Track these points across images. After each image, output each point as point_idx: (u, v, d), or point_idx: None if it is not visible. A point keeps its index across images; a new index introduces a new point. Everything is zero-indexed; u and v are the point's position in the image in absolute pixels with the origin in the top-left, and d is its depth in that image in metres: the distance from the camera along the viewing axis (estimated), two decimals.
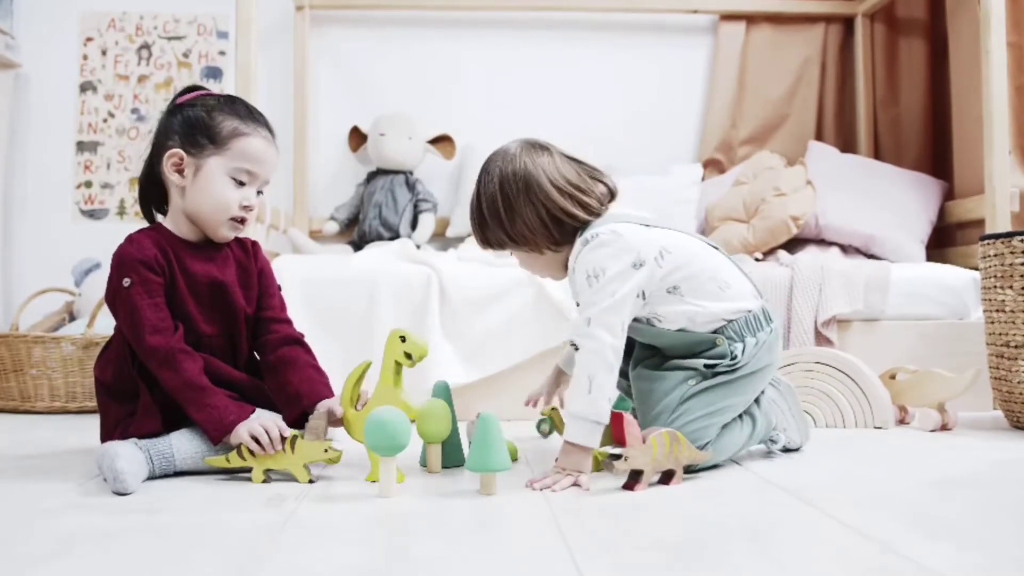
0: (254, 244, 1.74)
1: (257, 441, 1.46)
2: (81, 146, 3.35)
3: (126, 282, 1.52)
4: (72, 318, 2.91)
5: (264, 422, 1.48)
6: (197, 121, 1.57)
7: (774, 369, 1.65)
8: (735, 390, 1.57)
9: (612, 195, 1.64)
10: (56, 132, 3.35)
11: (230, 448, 1.49)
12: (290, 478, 1.50)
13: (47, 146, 3.35)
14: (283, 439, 1.47)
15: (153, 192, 1.65)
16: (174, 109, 1.61)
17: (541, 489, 1.39)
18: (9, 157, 3.24)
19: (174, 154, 1.56)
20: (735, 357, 1.56)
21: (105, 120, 3.36)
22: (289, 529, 1.14)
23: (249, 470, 1.49)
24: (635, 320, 1.59)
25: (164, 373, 1.49)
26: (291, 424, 1.58)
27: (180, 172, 1.57)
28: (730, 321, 1.58)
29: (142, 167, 1.66)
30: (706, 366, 1.56)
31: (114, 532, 1.13)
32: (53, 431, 2.10)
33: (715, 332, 1.58)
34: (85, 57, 3.38)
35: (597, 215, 1.60)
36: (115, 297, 1.54)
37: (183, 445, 1.50)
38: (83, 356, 2.44)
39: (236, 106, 1.61)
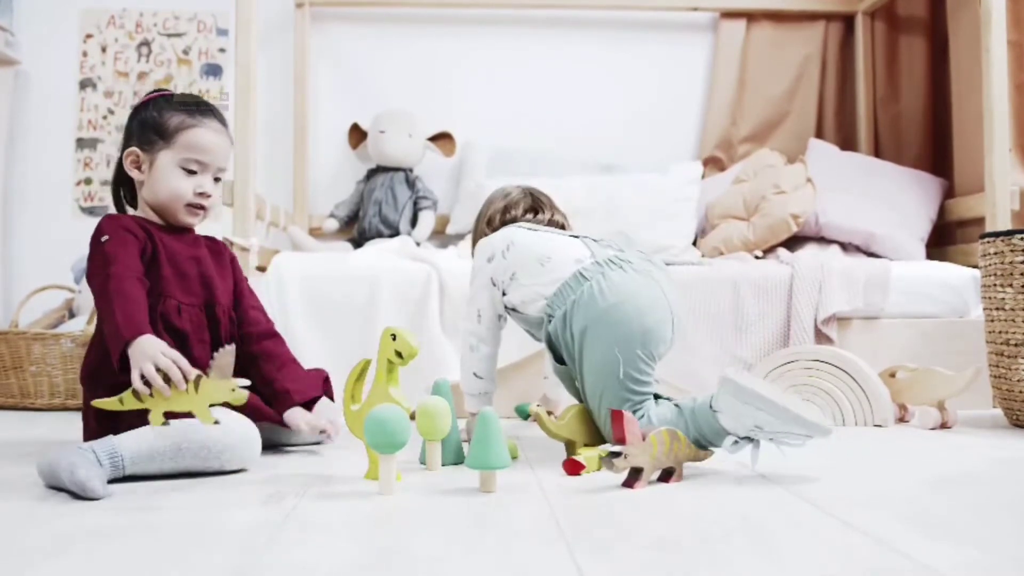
0: (223, 242, 1.85)
1: (165, 380, 1.42)
2: (81, 143, 3.35)
3: (104, 238, 1.58)
4: (72, 315, 2.91)
5: (172, 355, 1.44)
6: (148, 120, 1.67)
7: (626, 315, 1.61)
8: (597, 371, 1.63)
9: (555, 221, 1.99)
10: (56, 129, 3.35)
11: (121, 388, 1.46)
12: (287, 481, 1.50)
13: (47, 143, 3.35)
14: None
15: (125, 190, 1.78)
16: (134, 112, 1.72)
17: None
18: (9, 154, 3.25)
19: (131, 153, 1.68)
20: (571, 335, 1.67)
21: (105, 117, 3.36)
22: (288, 527, 1.14)
23: (144, 412, 1.44)
24: (512, 311, 1.83)
25: (102, 306, 1.51)
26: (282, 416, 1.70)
27: (139, 168, 1.68)
28: (547, 297, 1.71)
29: (114, 168, 1.77)
30: (557, 360, 1.75)
31: (112, 530, 1.13)
32: (52, 428, 2.10)
33: (541, 311, 1.74)
34: (85, 54, 3.37)
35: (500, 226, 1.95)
36: (92, 256, 1.59)
37: (130, 445, 1.44)
38: (82, 353, 2.44)
39: (186, 101, 1.70)
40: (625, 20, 3.55)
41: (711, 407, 1.52)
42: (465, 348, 1.86)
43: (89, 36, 3.38)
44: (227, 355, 1.53)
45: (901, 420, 2.18)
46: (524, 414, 2.20)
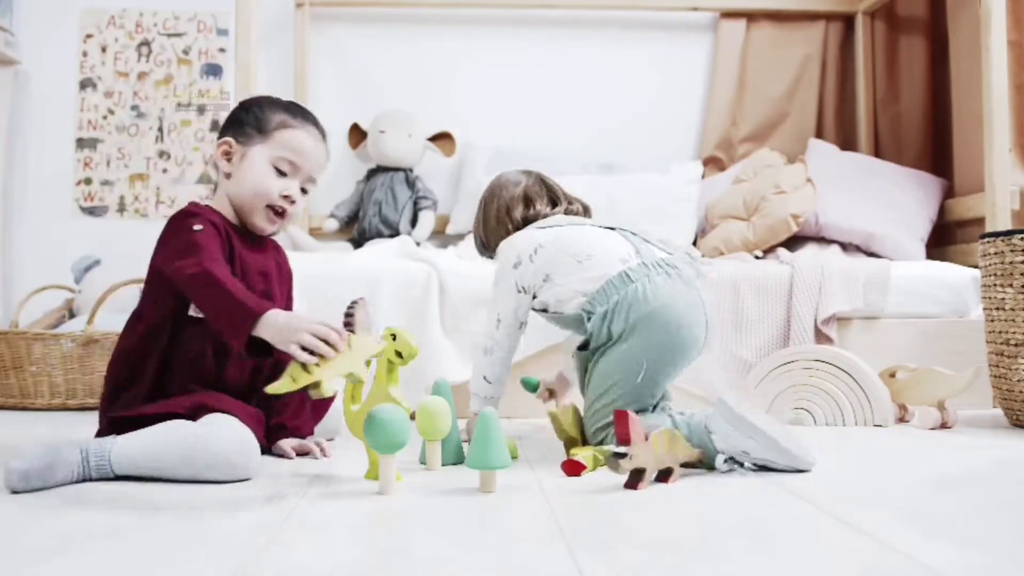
0: (281, 249, 1.83)
1: (324, 344, 1.36)
2: (81, 143, 3.35)
3: (198, 227, 1.53)
4: (72, 315, 2.91)
5: (319, 320, 1.39)
6: (250, 114, 1.66)
7: (664, 323, 1.62)
8: (614, 362, 1.64)
9: (580, 210, 1.93)
10: (56, 129, 3.35)
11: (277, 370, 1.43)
12: (287, 481, 1.49)
13: (47, 143, 3.35)
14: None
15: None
16: (238, 107, 1.71)
17: None
18: (9, 154, 3.24)
19: (224, 142, 1.65)
20: (605, 330, 1.66)
21: (105, 117, 3.36)
22: (288, 527, 1.14)
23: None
24: (543, 312, 1.79)
25: (205, 293, 1.43)
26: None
27: (228, 159, 1.65)
28: (587, 294, 1.67)
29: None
30: (581, 347, 1.75)
31: (112, 530, 1.13)
32: (53, 428, 2.10)
33: (580, 309, 1.68)
34: (85, 54, 3.37)
35: (525, 224, 1.88)
36: (176, 241, 1.52)
37: (126, 448, 1.39)
38: (83, 353, 2.45)
39: (290, 105, 1.69)
40: (625, 20, 3.55)
41: (706, 426, 1.53)
42: (479, 350, 1.83)
43: (89, 36, 3.38)
44: (363, 309, 1.44)
45: (901, 420, 2.18)
46: (531, 386, 2.09)
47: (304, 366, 1.34)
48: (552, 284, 1.74)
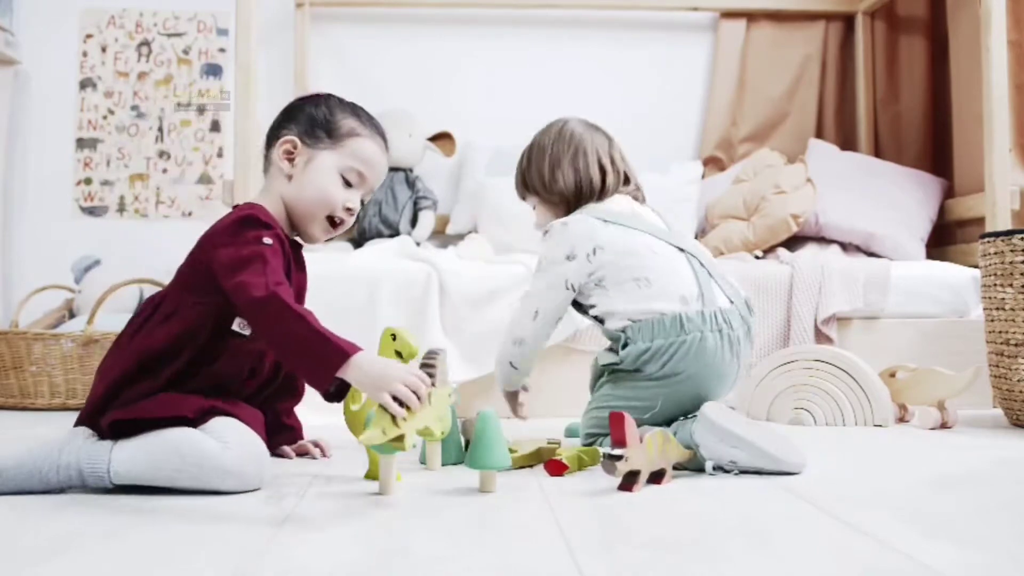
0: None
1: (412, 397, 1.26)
2: (81, 143, 3.35)
3: (268, 240, 1.41)
4: (72, 315, 2.91)
5: (414, 371, 1.30)
6: (319, 116, 1.56)
7: (696, 381, 1.60)
8: (631, 389, 1.63)
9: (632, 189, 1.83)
10: (56, 129, 3.36)
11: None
12: (287, 481, 1.49)
13: (47, 143, 3.35)
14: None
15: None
16: (298, 103, 1.61)
17: None
18: (9, 154, 3.24)
19: (288, 140, 1.54)
20: (637, 365, 1.62)
21: (105, 117, 3.36)
22: (287, 527, 1.13)
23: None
24: (578, 307, 1.75)
25: (284, 321, 1.31)
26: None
27: (291, 160, 1.54)
28: (636, 321, 1.62)
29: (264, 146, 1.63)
30: (604, 364, 1.71)
31: (111, 530, 1.12)
32: (53, 428, 2.09)
33: (621, 330, 1.64)
34: (85, 54, 3.37)
35: (602, 193, 1.78)
36: (239, 241, 1.40)
37: (127, 461, 1.32)
38: (83, 353, 2.45)
39: (357, 110, 1.60)
40: (625, 20, 3.55)
41: (692, 437, 1.52)
42: (508, 339, 1.77)
43: (89, 36, 3.38)
44: (443, 360, 1.38)
45: (901, 420, 2.18)
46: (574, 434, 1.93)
47: (393, 418, 1.24)
48: (603, 292, 1.67)
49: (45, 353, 2.45)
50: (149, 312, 1.46)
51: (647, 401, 1.60)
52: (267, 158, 1.59)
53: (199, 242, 1.48)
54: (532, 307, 1.74)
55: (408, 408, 1.25)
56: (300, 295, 1.61)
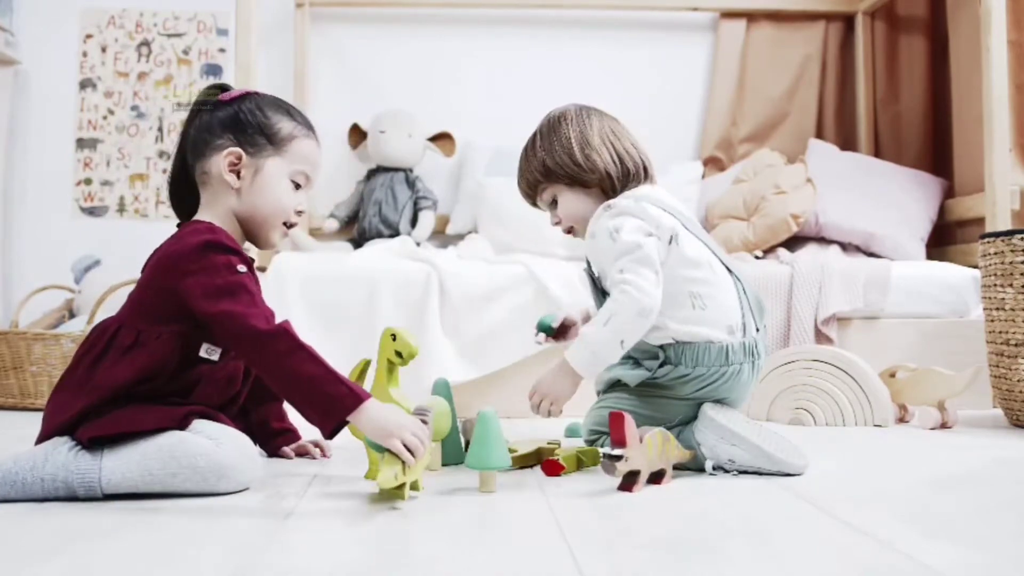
0: None
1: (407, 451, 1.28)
2: (81, 143, 3.35)
3: (242, 268, 1.38)
4: (72, 315, 2.91)
5: (417, 423, 1.33)
6: (253, 120, 1.48)
7: (722, 403, 1.56)
8: (654, 407, 1.56)
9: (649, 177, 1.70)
10: (56, 129, 3.35)
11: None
12: (287, 481, 1.49)
13: (47, 143, 3.35)
14: None
15: (184, 190, 1.54)
16: (218, 104, 1.50)
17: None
18: (9, 154, 3.24)
19: (232, 153, 1.46)
20: (670, 384, 1.54)
21: (105, 117, 3.36)
22: (287, 527, 1.13)
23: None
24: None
25: (293, 358, 1.29)
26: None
27: (236, 173, 1.47)
28: (681, 342, 1.53)
29: (172, 163, 1.54)
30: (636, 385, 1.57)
31: (111, 530, 1.12)
32: None
33: (660, 347, 1.54)
34: (85, 54, 3.37)
35: (646, 174, 1.67)
36: (212, 269, 1.36)
37: (119, 471, 1.29)
38: None
39: (288, 108, 1.54)
40: (625, 20, 3.55)
41: (693, 436, 1.51)
42: (630, 307, 1.45)
43: (89, 36, 3.38)
44: (431, 416, 1.39)
45: (901, 420, 2.18)
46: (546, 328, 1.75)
47: (403, 465, 1.26)
48: None
49: (45, 353, 2.45)
50: (104, 344, 1.38)
51: (666, 416, 1.54)
52: (201, 170, 1.49)
53: (157, 266, 1.41)
54: (650, 270, 1.48)
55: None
56: None
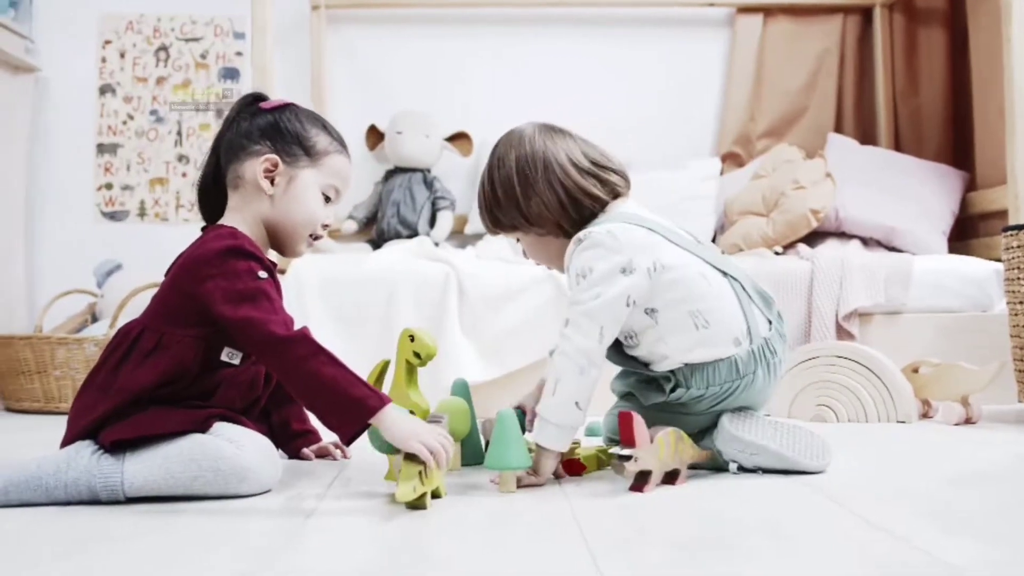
0: None
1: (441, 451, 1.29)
2: (101, 148, 3.38)
3: (263, 275, 1.39)
4: (95, 319, 2.93)
5: (439, 431, 1.33)
6: (291, 130, 1.50)
7: (739, 414, 1.52)
8: (668, 418, 1.51)
9: (627, 186, 1.59)
10: (76, 135, 3.38)
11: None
12: (307, 482, 1.50)
13: (68, 148, 3.37)
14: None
15: (213, 193, 1.55)
16: (258, 112, 1.52)
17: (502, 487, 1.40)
18: (31, 160, 3.27)
19: (269, 159, 1.47)
20: (684, 406, 1.50)
21: (124, 122, 3.38)
22: (306, 529, 1.14)
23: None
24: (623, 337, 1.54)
25: (313, 363, 1.30)
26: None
27: (271, 180, 1.48)
28: (690, 365, 1.47)
29: (204, 165, 1.56)
30: (648, 405, 1.53)
31: (130, 532, 1.13)
32: None
33: (671, 372, 1.49)
34: (104, 60, 3.40)
35: (616, 196, 1.55)
36: (232, 274, 1.37)
37: (141, 473, 1.30)
38: None
39: (324, 123, 1.56)
40: (642, 17, 3.53)
41: (714, 444, 1.49)
42: (570, 369, 1.41)
43: (108, 42, 3.40)
44: (445, 424, 1.41)
45: (924, 416, 2.16)
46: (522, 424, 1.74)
47: (420, 474, 1.25)
48: (653, 329, 1.48)
49: (68, 357, 2.47)
50: (127, 346, 1.40)
51: (684, 427, 1.48)
52: (235, 173, 1.50)
53: (180, 270, 1.43)
54: (596, 327, 1.42)
55: (429, 467, 1.26)
56: None
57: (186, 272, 1.41)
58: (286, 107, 1.54)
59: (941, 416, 2.07)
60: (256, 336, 1.33)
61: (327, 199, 1.54)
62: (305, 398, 1.35)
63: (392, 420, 1.29)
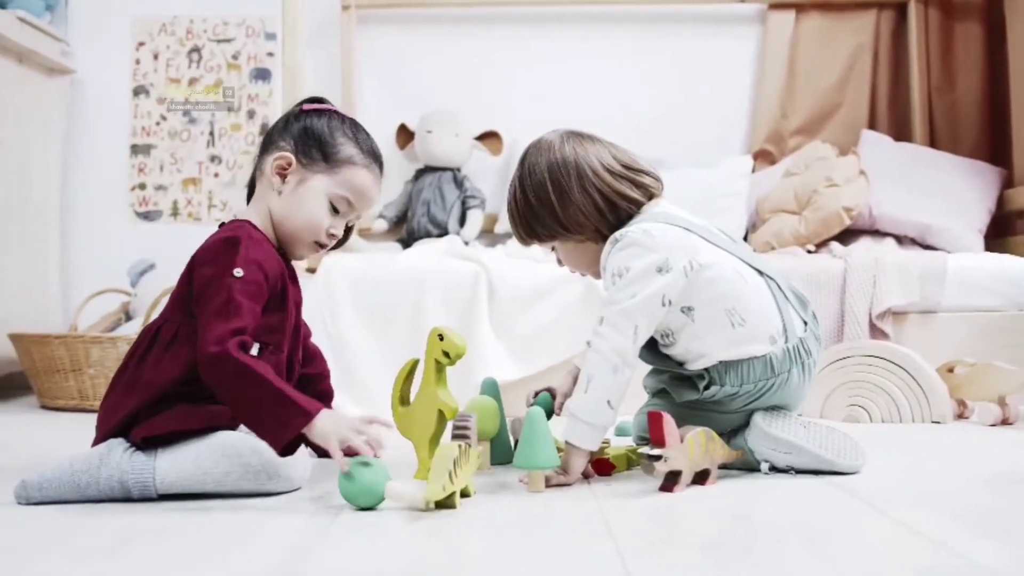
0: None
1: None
2: (135, 149, 3.41)
3: (239, 272, 1.38)
4: (128, 318, 2.97)
5: (364, 418, 1.36)
6: (316, 134, 1.51)
7: (773, 413, 1.50)
8: (701, 416, 1.50)
9: (660, 186, 1.59)
10: (111, 136, 3.42)
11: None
12: (337, 481, 1.50)
13: (102, 150, 3.41)
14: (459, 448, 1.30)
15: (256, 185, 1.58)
16: (298, 114, 1.55)
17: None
18: (66, 161, 3.31)
19: (283, 157, 1.49)
20: (718, 403, 1.50)
21: (158, 123, 3.42)
22: (337, 527, 1.14)
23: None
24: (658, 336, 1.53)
25: (237, 383, 1.30)
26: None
27: (283, 176, 1.50)
28: (725, 363, 1.47)
29: (255, 160, 1.58)
30: (681, 402, 1.54)
31: (163, 529, 1.14)
32: None
33: (705, 370, 1.48)
34: (138, 62, 3.43)
35: (650, 197, 1.55)
36: (215, 279, 1.38)
37: (169, 466, 1.32)
38: None
39: (358, 135, 1.55)
40: (673, 14, 3.51)
41: (746, 443, 1.48)
42: (604, 367, 1.40)
43: (141, 44, 3.44)
44: (474, 422, 1.44)
45: (960, 416, 2.13)
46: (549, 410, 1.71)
47: (450, 474, 1.24)
48: (689, 327, 1.47)
49: (102, 356, 2.50)
50: (148, 342, 1.43)
51: (716, 426, 1.48)
52: (260, 165, 1.54)
53: (189, 263, 1.46)
54: (630, 324, 1.41)
55: (458, 466, 1.26)
56: (297, 308, 1.57)
57: (191, 264, 1.45)
58: (324, 112, 1.55)
59: (977, 417, 2.04)
60: (198, 346, 1.33)
61: (336, 210, 1.52)
62: (237, 416, 1.36)
63: (320, 431, 1.28)
